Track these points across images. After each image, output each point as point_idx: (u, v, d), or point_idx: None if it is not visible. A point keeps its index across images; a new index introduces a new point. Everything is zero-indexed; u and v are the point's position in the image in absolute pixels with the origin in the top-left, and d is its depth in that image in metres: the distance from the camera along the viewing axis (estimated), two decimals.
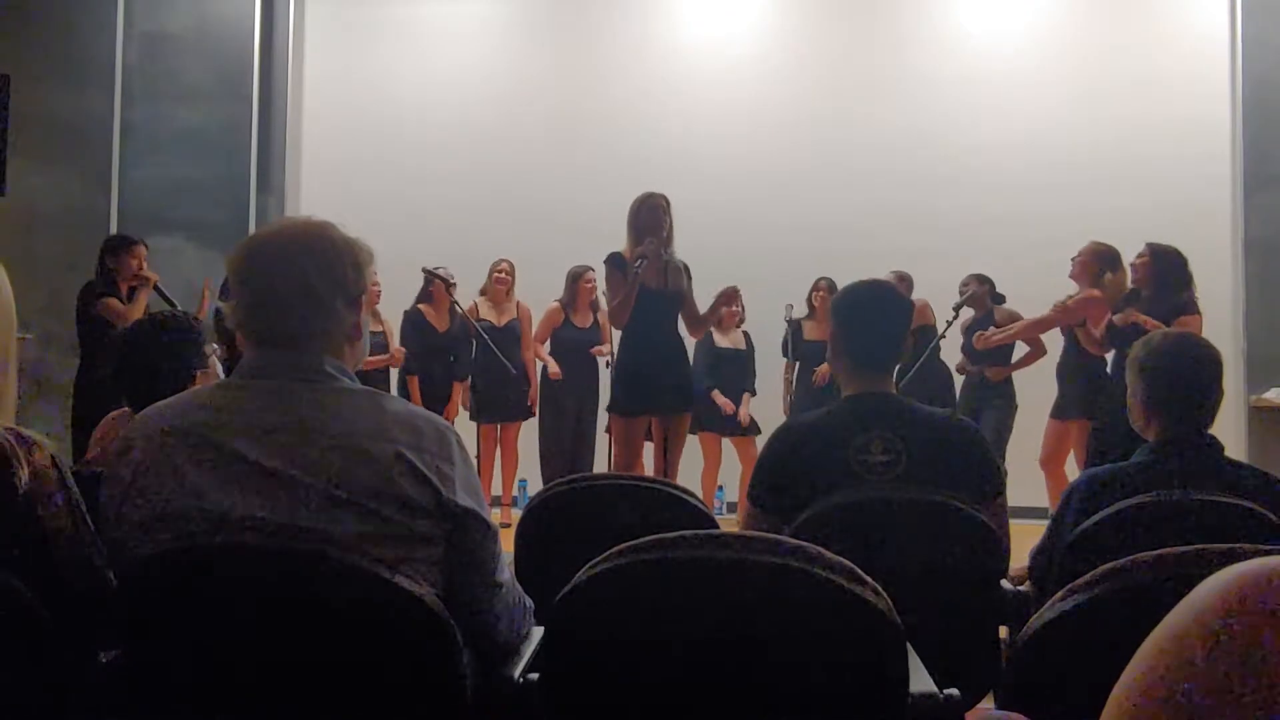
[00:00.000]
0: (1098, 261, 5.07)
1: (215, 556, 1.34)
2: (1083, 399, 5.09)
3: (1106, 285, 4.99)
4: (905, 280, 5.86)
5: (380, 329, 5.95)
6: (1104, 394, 4.85)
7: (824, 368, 5.89)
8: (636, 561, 1.32)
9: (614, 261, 4.39)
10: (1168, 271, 4.62)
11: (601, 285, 4.71)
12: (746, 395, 6.23)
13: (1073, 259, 5.14)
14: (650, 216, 4.33)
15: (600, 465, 5.81)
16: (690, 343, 5.96)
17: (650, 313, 4.36)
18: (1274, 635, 0.47)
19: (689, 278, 4.48)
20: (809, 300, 6.21)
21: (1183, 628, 0.50)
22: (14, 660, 1.30)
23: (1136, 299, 4.71)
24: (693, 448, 6.21)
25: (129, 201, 6.87)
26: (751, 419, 6.19)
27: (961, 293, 5.61)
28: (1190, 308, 4.53)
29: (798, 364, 6.14)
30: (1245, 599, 0.49)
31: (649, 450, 4.61)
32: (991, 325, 5.56)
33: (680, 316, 4.51)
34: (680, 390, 4.46)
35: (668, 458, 4.42)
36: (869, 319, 2.25)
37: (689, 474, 6.02)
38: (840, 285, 2.35)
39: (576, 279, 6.05)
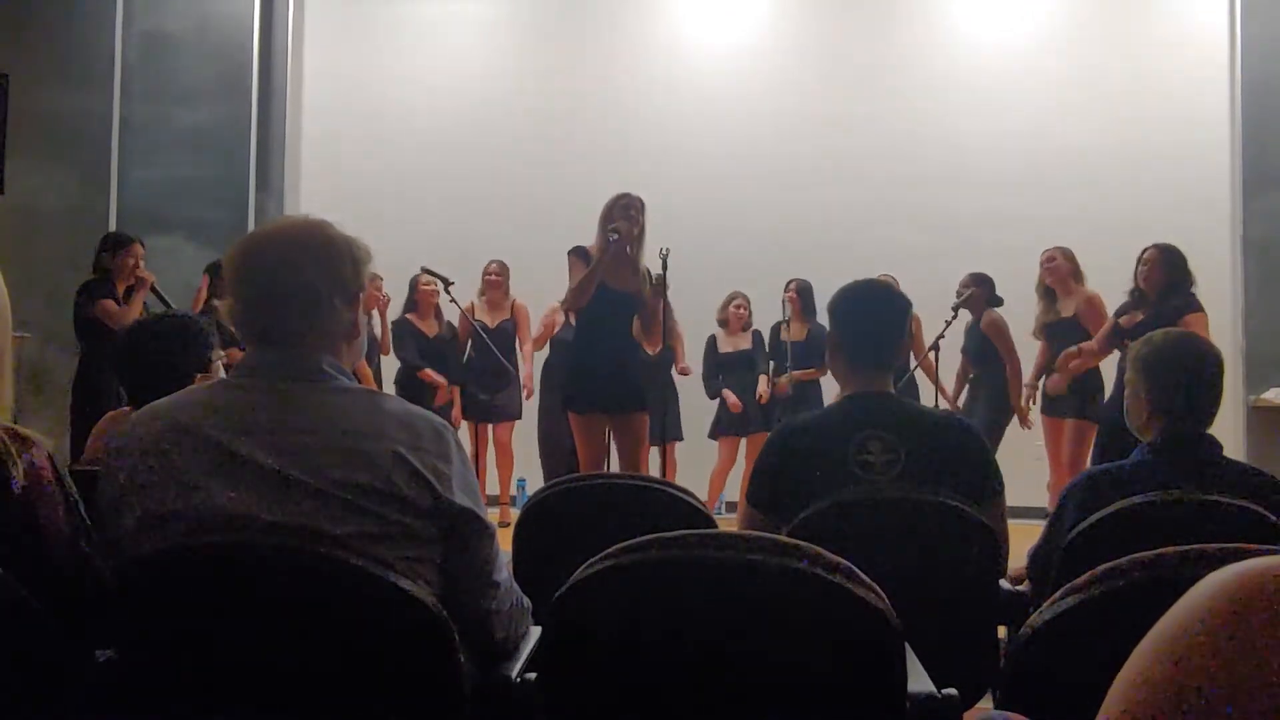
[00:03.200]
0: (1072, 266, 5.17)
1: (213, 556, 1.34)
2: (1081, 399, 5.09)
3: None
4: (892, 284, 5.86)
5: (384, 332, 5.96)
6: (1102, 394, 4.85)
7: (787, 378, 5.92)
8: (635, 561, 1.31)
9: (577, 252, 4.36)
10: (1173, 271, 4.63)
11: None
12: (764, 377, 6.22)
13: (1048, 265, 5.20)
14: (621, 215, 4.28)
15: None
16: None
17: (606, 310, 4.28)
18: (1273, 633, 0.47)
19: (651, 285, 4.33)
20: (783, 302, 6.20)
21: (1181, 626, 0.50)
22: (12, 660, 1.29)
23: (1142, 301, 4.71)
24: (706, 450, 6.24)
25: (128, 201, 6.86)
26: (770, 413, 6.17)
27: (959, 294, 5.58)
28: (1195, 305, 4.55)
29: (771, 364, 6.18)
30: (1244, 597, 0.49)
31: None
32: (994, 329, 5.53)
33: (638, 320, 4.42)
34: (628, 390, 4.31)
35: (628, 459, 4.31)
36: (866, 318, 2.25)
37: (697, 475, 6.03)
38: (836, 286, 2.35)
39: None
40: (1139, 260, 4.79)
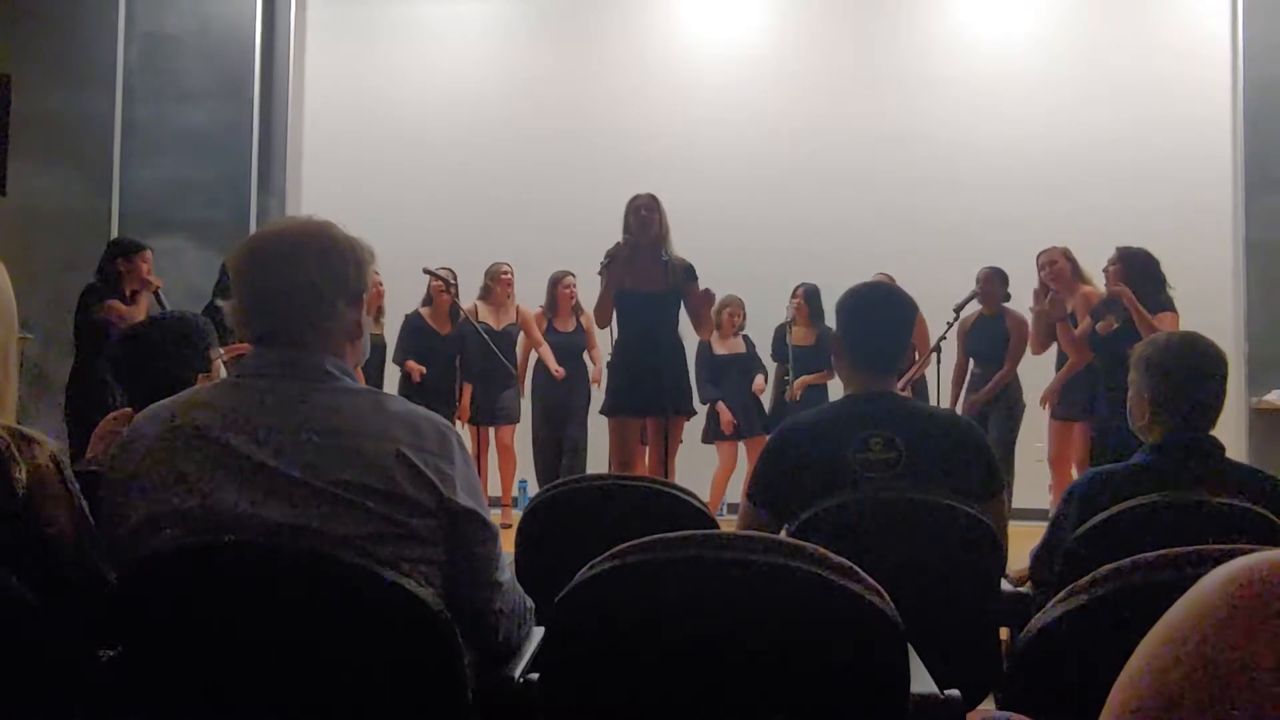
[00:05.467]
0: (1072, 263, 5.17)
1: (215, 556, 1.34)
2: (1084, 401, 5.09)
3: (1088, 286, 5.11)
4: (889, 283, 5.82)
5: (379, 331, 5.94)
6: (1099, 396, 4.85)
7: (799, 383, 5.91)
8: (637, 561, 1.31)
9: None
10: (1140, 274, 4.63)
11: (584, 289, 4.69)
12: (759, 377, 6.24)
13: (1049, 266, 5.20)
14: (634, 218, 4.31)
15: (593, 468, 5.82)
16: (691, 346, 6.01)
17: (645, 314, 4.31)
18: (1276, 629, 0.47)
19: (693, 277, 4.40)
20: (792, 306, 6.19)
21: (1185, 621, 0.50)
22: (14, 660, 1.30)
23: (1115, 305, 4.72)
24: (706, 452, 6.24)
25: (130, 202, 6.88)
26: (759, 418, 6.19)
27: (977, 282, 5.51)
28: (1167, 305, 4.56)
29: (788, 367, 6.17)
30: (1246, 593, 0.48)
31: (645, 453, 4.57)
32: (1003, 330, 5.49)
33: (688, 316, 4.47)
34: (675, 392, 4.38)
35: (665, 461, 4.35)
36: (871, 320, 2.25)
37: (699, 477, 6.03)
38: (839, 287, 2.36)
39: (556, 284, 6.07)
40: (1105, 268, 4.81)
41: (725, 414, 6.17)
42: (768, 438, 2.29)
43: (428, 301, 6.06)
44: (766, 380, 6.28)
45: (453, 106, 7.49)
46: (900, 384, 5.47)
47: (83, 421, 4.33)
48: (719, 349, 6.28)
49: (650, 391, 4.31)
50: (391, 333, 6.07)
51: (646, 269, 4.29)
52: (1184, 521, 1.90)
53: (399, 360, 5.97)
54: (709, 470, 6.28)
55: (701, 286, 4.44)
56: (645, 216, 4.30)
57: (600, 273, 4.37)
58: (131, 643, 1.41)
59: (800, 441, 2.16)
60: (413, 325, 6.03)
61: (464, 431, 5.86)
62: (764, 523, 2.09)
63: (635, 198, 4.38)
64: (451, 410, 5.90)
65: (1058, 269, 5.20)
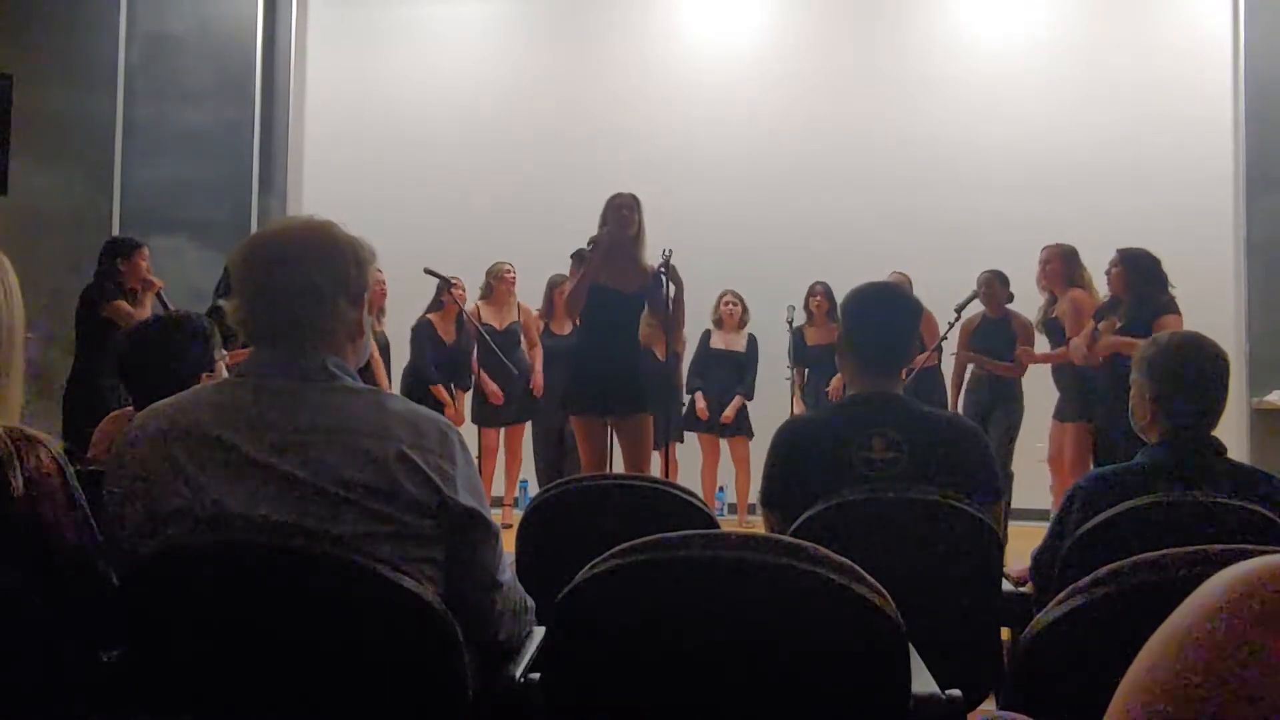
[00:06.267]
0: (1066, 264, 5.15)
1: (216, 555, 1.34)
2: (1079, 402, 5.09)
3: (1088, 288, 5.10)
4: (905, 282, 5.81)
5: (380, 329, 5.92)
6: (1098, 397, 4.84)
7: (836, 382, 5.88)
8: (637, 561, 1.31)
9: (578, 257, 4.35)
10: (1143, 276, 4.62)
11: None
12: (738, 398, 6.21)
13: (1043, 265, 5.19)
14: (614, 215, 4.26)
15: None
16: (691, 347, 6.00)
17: (608, 312, 4.26)
18: (1276, 633, 0.47)
19: (661, 285, 4.27)
20: (806, 306, 6.19)
21: (1186, 627, 0.50)
22: (15, 660, 1.30)
23: (1117, 307, 4.72)
24: (691, 448, 6.25)
25: (131, 202, 6.88)
26: (743, 420, 6.18)
27: (978, 285, 5.50)
28: (1171, 308, 4.54)
29: (807, 370, 6.14)
30: (1248, 597, 0.49)
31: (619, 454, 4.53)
32: (1008, 331, 5.48)
33: (658, 322, 4.39)
34: (629, 393, 4.26)
35: (630, 461, 4.28)
36: (876, 320, 2.25)
37: (689, 473, 6.04)
38: (839, 287, 2.37)
39: (553, 289, 6.07)
40: (1107, 270, 4.80)
41: (699, 403, 6.16)
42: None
43: (436, 307, 6.03)
44: (750, 396, 6.25)
45: (453, 107, 7.49)
46: (906, 374, 5.50)
47: (83, 421, 4.32)
48: (716, 342, 6.28)
49: (611, 390, 4.24)
50: (393, 333, 6.06)
51: (619, 267, 4.23)
52: (1184, 521, 1.90)
53: (428, 375, 5.84)
54: (698, 464, 6.29)
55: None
56: (625, 216, 4.25)
57: (576, 255, 4.30)
58: (134, 643, 1.41)
59: (804, 440, 2.17)
60: (428, 335, 5.98)
61: (471, 429, 5.87)
62: (785, 526, 2.09)
63: (616, 195, 4.32)
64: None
65: (1050, 269, 5.20)
